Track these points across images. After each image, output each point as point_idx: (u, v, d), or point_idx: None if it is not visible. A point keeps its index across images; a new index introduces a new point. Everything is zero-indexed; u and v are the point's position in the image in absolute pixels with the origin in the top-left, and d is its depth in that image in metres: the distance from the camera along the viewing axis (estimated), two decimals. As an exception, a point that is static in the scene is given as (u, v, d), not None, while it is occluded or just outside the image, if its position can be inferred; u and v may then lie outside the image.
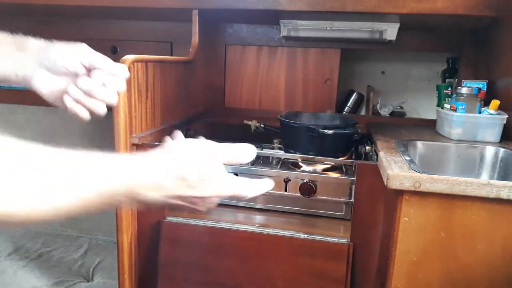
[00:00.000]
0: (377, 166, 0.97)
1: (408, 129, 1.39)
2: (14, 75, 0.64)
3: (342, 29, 1.38)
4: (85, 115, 0.63)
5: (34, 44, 0.66)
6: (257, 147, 1.37)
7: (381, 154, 0.98)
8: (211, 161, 0.50)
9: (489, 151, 1.16)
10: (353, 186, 1.08)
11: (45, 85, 0.64)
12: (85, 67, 0.63)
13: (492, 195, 0.79)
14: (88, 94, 0.63)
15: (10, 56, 0.64)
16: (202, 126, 1.61)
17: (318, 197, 1.13)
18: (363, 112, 1.75)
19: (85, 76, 0.63)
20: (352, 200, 1.09)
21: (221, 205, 1.25)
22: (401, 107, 1.71)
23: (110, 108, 0.65)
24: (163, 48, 1.71)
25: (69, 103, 0.63)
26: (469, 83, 1.28)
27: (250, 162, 1.23)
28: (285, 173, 1.16)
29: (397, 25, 1.36)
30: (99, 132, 1.85)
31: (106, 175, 0.42)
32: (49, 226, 2.15)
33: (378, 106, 1.69)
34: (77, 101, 0.63)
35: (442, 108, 1.33)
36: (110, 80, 0.63)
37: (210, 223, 1.11)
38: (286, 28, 1.44)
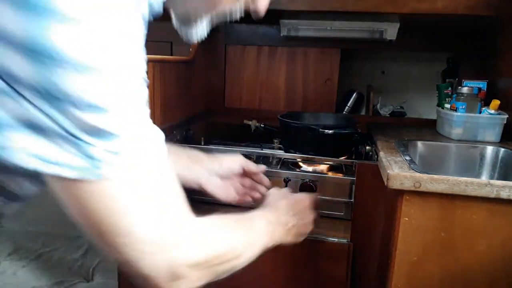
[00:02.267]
0: (377, 166, 0.97)
1: (408, 129, 1.39)
2: (194, 184, 0.85)
3: (342, 29, 1.38)
4: (249, 200, 0.93)
5: (204, 156, 0.90)
6: (257, 147, 1.37)
7: (381, 154, 0.98)
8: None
9: (489, 151, 1.16)
10: (353, 186, 1.08)
11: (218, 188, 0.89)
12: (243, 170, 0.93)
13: (492, 195, 0.79)
14: (251, 189, 0.94)
15: (189, 170, 0.86)
16: (202, 126, 1.61)
17: (318, 197, 1.13)
18: (363, 112, 1.75)
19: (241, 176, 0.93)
20: (352, 200, 1.09)
21: (221, 205, 1.24)
22: (401, 107, 1.71)
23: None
24: (163, 48, 1.71)
25: (238, 196, 0.92)
26: (469, 83, 1.28)
27: (250, 162, 1.23)
28: (285, 173, 1.16)
29: (397, 25, 1.36)
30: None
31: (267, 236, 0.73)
32: (49, 227, 2.15)
33: (378, 106, 1.69)
34: (244, 194, 0.93)
35: (443, 108, 1.33)
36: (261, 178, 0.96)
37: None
38: (286, 27, 1.44)
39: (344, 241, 1.04)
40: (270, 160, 1.25)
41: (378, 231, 1.03)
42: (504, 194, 0.78)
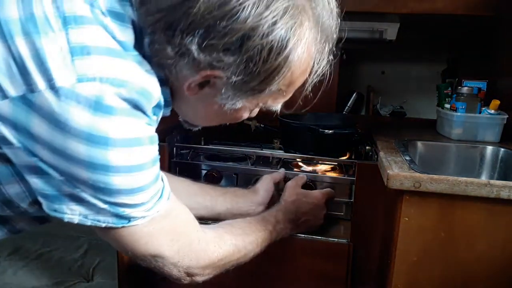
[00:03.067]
0: (377, 166, 0.97)
1: (408, 129, 1.39)
2: (244, 216, 0.92)
3: (342, 28, 1.37)
4: None
5: (244, 191, 1.05)
6: (257, 147, 1.37)
7: (381, 154, 0.98)
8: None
9: (489, 151, 1.16)
10: (353, 186, 1.08)
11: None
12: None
13: (492, 195, 0.79)
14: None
15: (237, 203, 1.01)
16: (201, 126, 1.61)
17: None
18: (363, 112, 1.75)
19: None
20: (352, 200, 1.09)
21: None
22: (401, 107, 1.71)
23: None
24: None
25: None
26: (469, 83, 1.27)
27: (250, 162, 1.23)
28: (285, 173, 1.15)
29: (397, 25, 1.36)
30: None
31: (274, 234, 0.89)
32: (49, 227, 2.15)
33: (378, 106, 1.69)
34: None
35: (443, 108, 1.33)
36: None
37: (210, 222, 1.11)
38: (286, 28, 1.44)
39: (344, 241, 1.04)
40: (270, 160, 1.25)
41: (378, 231, 1.03)
42: (504, 194, 0.78)
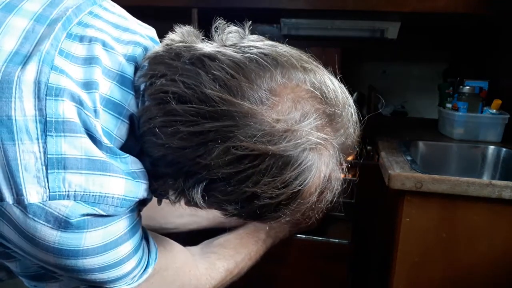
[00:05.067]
0: (379, 166, 0.96)
1: (410, 128, 1.39)
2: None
3: (343, 28, 1.37)
4: None
5: None
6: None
7: (383, 154, 0.97)
8: None
9: (491, 151, 1.16)
10: (354, 187, 1.08)
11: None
12: None
13: (494, 196, 0.78)
14: None
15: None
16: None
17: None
18: (364, 112, 1.74)
19: None
20: (353, 200, 1.09)
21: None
22: (403, 107, 1.70)
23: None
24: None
25: None
26: (470, 83, 1.27)
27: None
28: (286, 173, 1.15)
29: (398, 24, 1.35)
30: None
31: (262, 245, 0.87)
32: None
33: (379, 105, 1.69)
34: None
35: (444, 107, 1.32)
36: None
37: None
38: (287, 26, 1.43)
39: (345, 241, 1.03)
40: (271, 160, 1.24)
41: (379, 232, 1.03)
42: (506, 195, 0.78)
